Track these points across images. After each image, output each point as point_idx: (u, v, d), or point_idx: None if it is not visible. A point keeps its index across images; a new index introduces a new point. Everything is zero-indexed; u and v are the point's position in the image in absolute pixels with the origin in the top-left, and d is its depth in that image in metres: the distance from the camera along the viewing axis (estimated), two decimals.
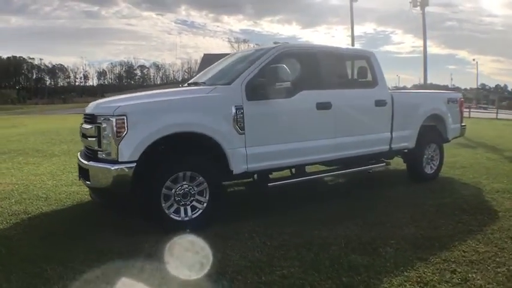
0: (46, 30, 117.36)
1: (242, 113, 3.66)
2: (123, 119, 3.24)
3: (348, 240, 3.18)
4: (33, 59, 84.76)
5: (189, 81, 4.89)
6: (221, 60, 4.97)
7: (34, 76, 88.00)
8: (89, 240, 3.24)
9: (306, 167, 4.40)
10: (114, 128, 3.24)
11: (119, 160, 3.25)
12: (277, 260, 2.82)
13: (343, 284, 2.46)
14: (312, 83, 4.20)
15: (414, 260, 2.81)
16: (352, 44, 23.90)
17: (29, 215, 3.93)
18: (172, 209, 3.43)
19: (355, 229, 3.45)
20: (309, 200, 4.49)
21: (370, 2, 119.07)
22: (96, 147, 3.46)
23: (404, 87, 21.42)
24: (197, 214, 3.52)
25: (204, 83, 4.20)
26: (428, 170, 5.52)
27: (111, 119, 3.27)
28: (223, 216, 3.65)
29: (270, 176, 4.16)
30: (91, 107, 3.82)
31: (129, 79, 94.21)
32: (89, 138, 3.55)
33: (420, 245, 3.10)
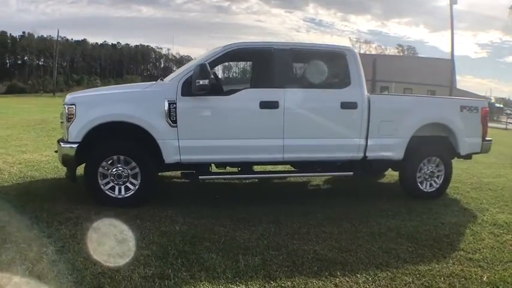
0: (176, 21, 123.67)
1: (175, 108, 3.90)
2: (73, 107, 3.91)
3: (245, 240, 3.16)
4: (161, 48, 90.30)
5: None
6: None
7: (162, 65, 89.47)
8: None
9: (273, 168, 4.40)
10: (66, 114, 3.94)
11: (68, 140, 3.92)
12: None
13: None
14: (258, 82, 4.14)
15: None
16: (452, 50, 21.39)
17: None
18: (108, 186, 3.95)
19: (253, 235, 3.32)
20: (256, 199, 4.44)
21: (493, 9, 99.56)
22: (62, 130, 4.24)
23: None
24: (129, 194, 3.97)
25: (162, 79, 4.56)
26: (426, 187, 4.74)
27: (65, 106, 3.97)
28: (155, 200, 4.02)
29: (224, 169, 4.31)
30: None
31: None
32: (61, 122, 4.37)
33: (301, 263, 2.85)
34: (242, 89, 4.09)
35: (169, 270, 2.65)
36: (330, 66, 4.53)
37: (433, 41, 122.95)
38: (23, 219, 3.47)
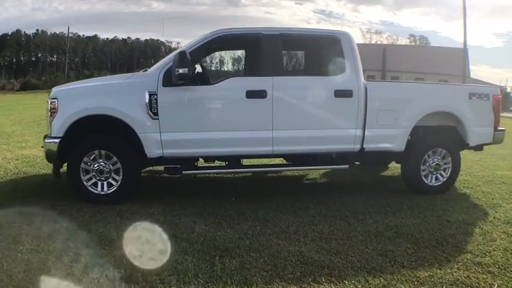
0: (186, 15, 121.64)
1: (156, 99, 3.67)
2: (55, 101, 3.74)
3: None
4: (170, 42, 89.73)
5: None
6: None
7: None
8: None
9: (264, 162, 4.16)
10: (49, 108, 3.78)
11: (51, 135, 3.76)
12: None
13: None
14: (245, 70, 3.86)
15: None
16: (464, 38, 20.52)
17: None
18: (90, 182, 3.78)
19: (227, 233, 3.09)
20: (247, 195, 4.16)
21: None
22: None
23: None
24: (112, 190, 3.79)
25: (145, 70, 4.33)
26: (431, 181, 4.38)
27: (49, 101, 3.80)
28: (141, 196, 3.83)
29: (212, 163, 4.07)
30: None
31: None
32: None
33: (283, 267, 2.59)
34: (227, 78, 3.82)
35: (139, 274, 2.44)
36: (323, 53, 4.24)
37: (447, 31, 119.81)
38: (7, 215, 3.34)
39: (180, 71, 3.46)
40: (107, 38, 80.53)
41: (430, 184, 4.38)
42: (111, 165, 3.77)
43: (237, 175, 4.92)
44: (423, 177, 4.36)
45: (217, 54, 4.90)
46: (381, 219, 3.56)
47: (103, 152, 3.75)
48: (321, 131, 3.97)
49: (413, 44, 59.08)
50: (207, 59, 4.95)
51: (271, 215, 3.53)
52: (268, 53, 3.89)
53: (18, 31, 65.16)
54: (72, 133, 3.72)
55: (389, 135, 4.16)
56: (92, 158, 3.75)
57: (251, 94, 3.78)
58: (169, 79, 3.65)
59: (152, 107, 3.67)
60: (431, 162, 4.35)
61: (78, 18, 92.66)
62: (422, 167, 4.33)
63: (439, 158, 4.37)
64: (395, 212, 3.75)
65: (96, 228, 3.16)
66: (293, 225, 3.32)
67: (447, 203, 4.07)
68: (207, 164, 4.26)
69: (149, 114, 3.68)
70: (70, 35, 53.42)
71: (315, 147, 4.00)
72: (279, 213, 3.58)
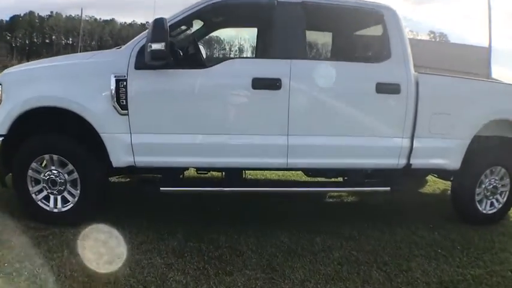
0: None
1: (125, 87, 2.62)
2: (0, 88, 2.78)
3: None
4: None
5: None
6: None
7: None
8: None
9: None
10: None
11: None
12: None
13: None
14: (252, 50, 2.77)
15: None
16: (489, 35, 18.65)
17: None
18: (41, 196, 2.82)
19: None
20: (246, 218, 3.12)
21: None
22: None
23: None
24: (68, 208, 2.81)
25: (119, 47, 3.28)
26: (485, 208, 3.30)
27: None
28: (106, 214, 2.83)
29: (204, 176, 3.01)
30: None
31: None
32: None
33: None
34: (226, 60, 2.75)
35: None
36: (361, 31, 3.08)
37: (467, 29, 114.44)
38: None
39: (154, 46, 2.39)
40: (125, 22, 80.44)
41: (484, 212, 3.30)
42: (66, 175, 2.78)
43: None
44: (477, 203, 3.26)
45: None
46: (431, 268, 2.52)
47: (55, 157, 2.75)
48: (354, 138, 2.87)
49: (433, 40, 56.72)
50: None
51: (280, 259, 2.48)
52: (285, 27, 2.77)
53: (31, 12, 64.90)
54: (23, 130, 2.75)
55: (444, 148, 3.04)
56: (41, 164, 2.79)
57: (259, 83, 2.69)
58: (144, 59, 2.58)
59: (120, 98, 2.62)
60: (487, 184, 3.26)
61: (95, 2, 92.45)
62: (477, 190, 3.23)
63: (497, 179, 3.28)
64: (448, 256, 2.71)
65: (27, 267, 2.19)
66: (311, 280, 2.27)
67: (506, 240, 3.04)
68: (199, 175, 3.19)
69: (115, 108, 2.64)
70: (86, 18, 52.80)
71: (345, 160, 2.90)
72: (291, 256, 2.53)
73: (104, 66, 2.71)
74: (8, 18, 62.83)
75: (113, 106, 2.64)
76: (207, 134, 2.74)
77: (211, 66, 2.73)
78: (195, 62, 2.77)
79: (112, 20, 75.88)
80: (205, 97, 2.72)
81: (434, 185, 4.44)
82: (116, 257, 2.38)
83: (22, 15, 63.84)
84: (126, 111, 2.64)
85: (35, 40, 66.14)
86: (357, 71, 2.91)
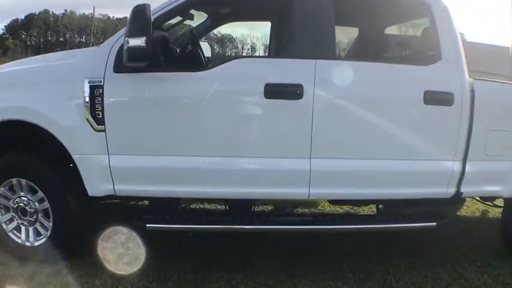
0: None
1: (101, 94, 2.05)
2: None
3: None
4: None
5: None
6: None
7: None
8: None
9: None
10: None
11: None
12: None
13: None
14: (264, 48, 2.17)
15: None
16: None
17: None
18: (12, 225, 2.35)
19: None
20: (259, 256, 2.49)
21: None
22: None
23: None
24: (41, 242, 2.31)
25: (98, 45, 2.72)
26: None
27: None
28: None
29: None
30: None
31: None
32: None
33: None
34: (232, 60, 2.14)
35: None
36: (404, 26, 2.43)
37: (487, 27, 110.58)
38: None
39: (132, 42, 1.80)
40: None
41: None
42: (36, 203, 2.27)
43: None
44: None
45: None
46: None
47: (23, 181, 2.24)
48: (396, 162, 2.23)
49: None
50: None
51: None
52: (309, 18, 2.14)
53: (46, 11, 65.79)
54: None
55: (500, 172, 2.38)
56: (9, 188, 2.30)
57: (274, 91, 2.08)
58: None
59: (95, 109, 2.06)
60: None
61: (108, 0, 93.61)
62: None
63: None
64: None
65: None
66: None
67: None
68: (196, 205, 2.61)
69: (89, 122, 2.08)
70: (99, 16, 53.09)
71: (382, 190, 2.26)
72: None
73: (76, 69, 2.14)
74: (23, 17, 63.94)
75: (87, 120, 2.08)
76: (205, 156, 2.13)
77: (213, 68, 2.12)
78: (192, 62, 2.18)
79: (125, 18, 76.70)
80: (203, 108, 2.12)
81: (473, 205, 3.76)
82: None
83: (37, 13, 64.85)
84: (103, 126, 2.08)
85: (50, 38, 67.05)
86: (401, 75, 2.24)
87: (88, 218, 2.37)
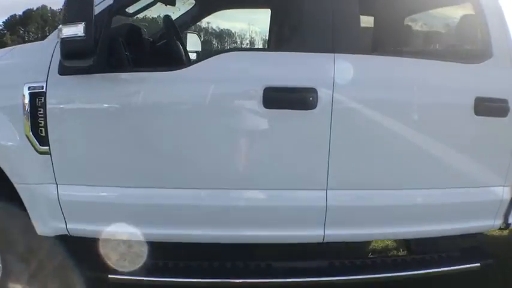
0: None
1: (44, 103, 1.52)
2: None
3: None
4: (201, 22, 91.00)
5: None
6: None
7: (201, 39, 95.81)
8: None
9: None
10: None
11: None
12: None
13: None
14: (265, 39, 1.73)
15: None
16: None
17: None
18: None
19: None
20: None
21: None
22: None
23: None
24: None
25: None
26: None
27: None
28: None
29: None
30: None
31: None
32: None
33: None
34: (220, 54, 1.59)
35: None
36: (447, 17, 1.98)
37: None
38: None
39: (65, 31, 1.27)
40: (137, 18, 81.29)
41: None
42: None
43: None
44: None
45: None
46: None
47: None
48: (434, 192, 1.70)
49: None
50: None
51: None
52: (326, 3, 1.59)
53: (44, 6, 65.18)
54: None
55: None
56: None
57: (276, 98, 1.52)
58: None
59: (38, 124, 1.53)
60: None
61: None
62: None
63: None
64: None
65: None
66: None
67: None
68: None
69: (31, 141, 1.55)
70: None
71: (416, 228, 1.72)
72: None
73: (15, 71, 1.61)
74: (21, 13, 63.54)
75: (27, 137, 1.55)
76: (184, 188, 1.59)
77: (194, 64, 1.58)
78: (166, 59, 1.64)
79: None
80: (178, 122, 1.56)
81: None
82: None
83: (35, 9, 64.33)
84: (47, 147, 1.55)
85: (48, 34, 66.54)
86: (443, 76, 1.68)
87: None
